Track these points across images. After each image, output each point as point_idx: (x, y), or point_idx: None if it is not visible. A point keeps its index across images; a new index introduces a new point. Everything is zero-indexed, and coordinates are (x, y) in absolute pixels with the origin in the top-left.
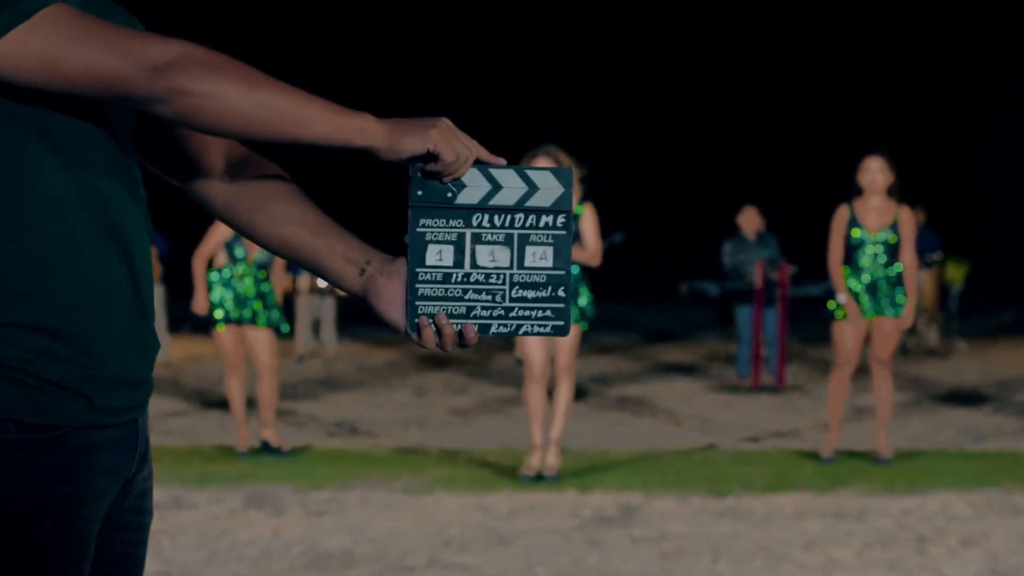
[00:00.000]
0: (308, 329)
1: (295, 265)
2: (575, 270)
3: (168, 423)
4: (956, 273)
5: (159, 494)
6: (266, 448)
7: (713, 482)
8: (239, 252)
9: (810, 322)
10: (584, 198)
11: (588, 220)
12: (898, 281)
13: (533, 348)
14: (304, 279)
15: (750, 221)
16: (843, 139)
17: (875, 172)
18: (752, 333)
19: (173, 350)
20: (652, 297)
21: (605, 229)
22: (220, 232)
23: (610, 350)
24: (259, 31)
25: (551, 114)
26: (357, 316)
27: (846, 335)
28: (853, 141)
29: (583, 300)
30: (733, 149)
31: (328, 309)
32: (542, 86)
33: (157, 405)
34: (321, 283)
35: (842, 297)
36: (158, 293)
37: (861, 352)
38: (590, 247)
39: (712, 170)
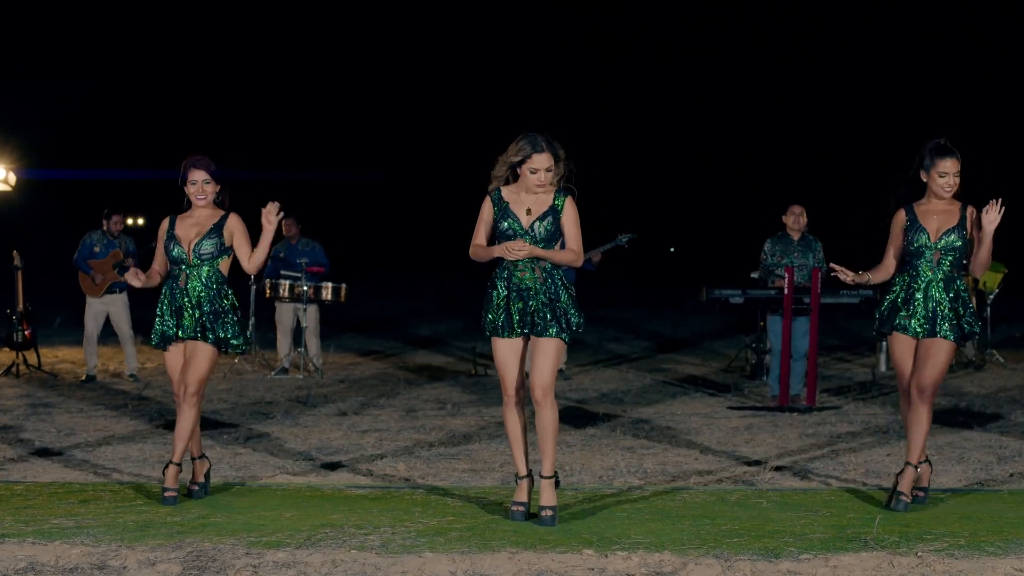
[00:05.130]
0: (289, 339)
1: (276, 269)
2: (558, 274)
3: (119, 451)
4: (991, 278)
5: (81, 552)
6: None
7: (760, 536)
8: (176, 252)
9: (837, 333)
10: (566, 190)
11: (570, 216)
12: (958, 300)
13: (506, 365)
14: (284, 284)
15: (796, 221)
16: (861, 140)
17: (952, 176)
18: (784, 345)
19: (145, 361)
20: (660, 303)
21: (613, 230)
22: (161, 236)
23: (619, 361)
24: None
25: (560, 112)
26: (344, 325)
27: (898, 348)
28: (873, 142)
29: (565, 309)
30: (740, 153)
31: (311, 318)
32: (549, 83)
33: (113, 427)
34: (304, 288)
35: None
36: (120, 299)
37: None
38: (574, 247)
39: (720, 173)
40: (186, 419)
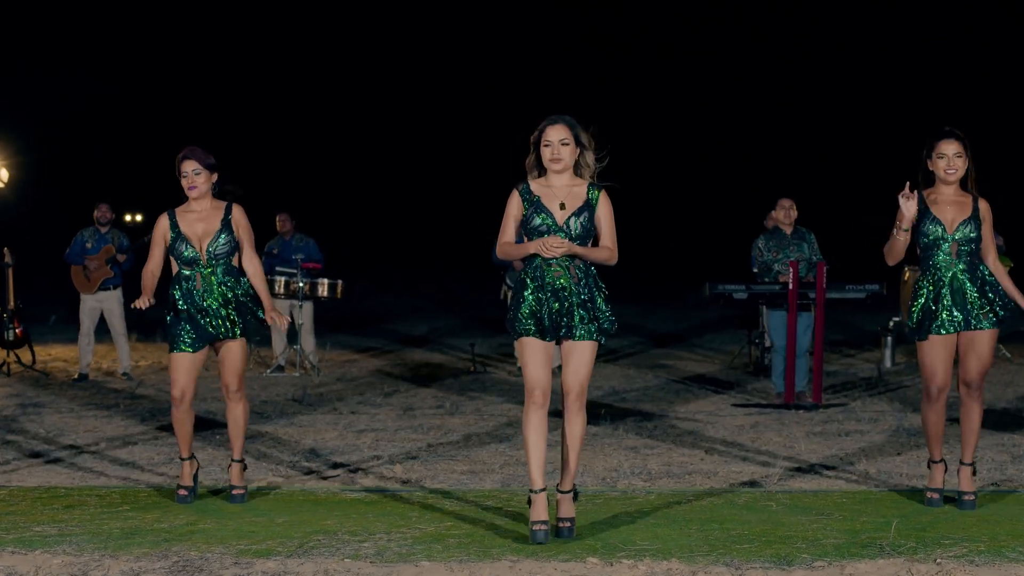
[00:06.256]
0: (283, 337)
1: (270, 265)
2: (592, 273)
3: (109, 452)
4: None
5: (62, 563)
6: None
7: (771, 541)
8: (189, 253)
9: (840, 328)
10: (600, 184)
11: (605, 211)
12: (985, 286)
13: (536, 364)
14: (279, 281)
15: (787, 214)
16: (867, 132)
17: (951, 157)
18: (787, 341)
19: (139, 359)
20: (660, 298)
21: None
22: (159, 233)
23: (619, 357)
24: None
25: (560, 112)
26: (341, 322)
27: (930, 351)
28: (877, 133)
29: (600, 309)
30: (739, 151)
31: (306, 315)
32: (549, 83)
33: (103, 427)
34: (300, 284)
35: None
36: (114, 296)
37: (952, 372)
38: (609, 244)
39: (719, 171)
40: (237, 415)
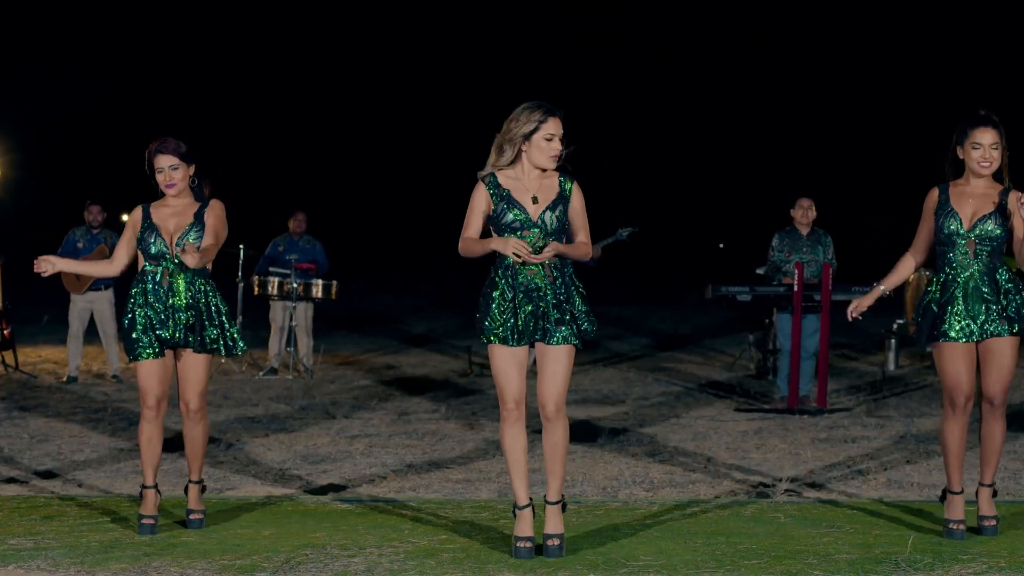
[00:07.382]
0: (280, 338)
1: (264, 265)
2: (568, 272)
3: (92, 460)
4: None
5: None
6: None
7: (780, 556)
8: (157, 246)
9: (843, 329)
10: (572, 175)
11: (579, 203)
12: (1003, 291)
13: (508, 376)
14: (273, 281)
15: (804, 215)
16: (871, 132)
17: (987, 148)
18: (793, 344)
19: (130, 361)
20: (660, 299)
21: (613, 224)
22: (130, 225)
23: (619, 360)
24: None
25: (559, 103)
26: (337, 322)
27: (950, 358)
28: (881, 134)
29: (578, 310)
30: (741, 151)
31: (300, 316)
32: (549, 83)
33: (88, 434)
34: (294, 285)
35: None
36: (105, 297)
37: (974, 383)
38: (585, 239)
39: (718, 166)
40: (196, 436)
